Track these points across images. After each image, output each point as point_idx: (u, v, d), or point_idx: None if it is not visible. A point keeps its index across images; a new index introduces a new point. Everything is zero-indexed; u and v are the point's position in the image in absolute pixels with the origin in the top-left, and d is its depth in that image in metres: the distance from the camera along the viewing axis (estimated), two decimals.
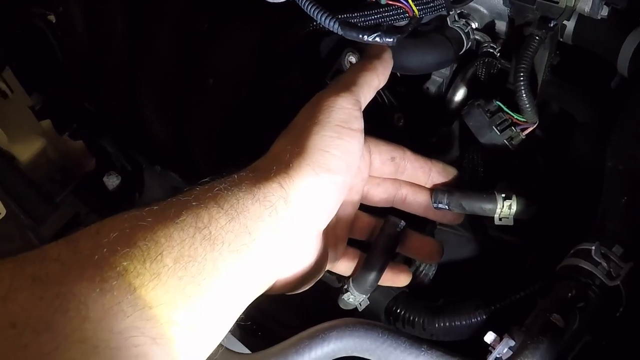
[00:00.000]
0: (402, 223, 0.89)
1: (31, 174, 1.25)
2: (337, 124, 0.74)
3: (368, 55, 0.85)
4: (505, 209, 0.87)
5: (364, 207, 0.93)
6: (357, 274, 0.90)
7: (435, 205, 0.91)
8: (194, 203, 0.63)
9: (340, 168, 0.73)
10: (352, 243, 0.93)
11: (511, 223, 0.88)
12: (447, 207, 0.90)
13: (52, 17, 1.46)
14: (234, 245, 0.62)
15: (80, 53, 1.26)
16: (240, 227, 0.64)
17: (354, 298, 0.90)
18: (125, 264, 0.55)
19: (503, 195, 0.87)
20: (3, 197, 1.14)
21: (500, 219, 0.88)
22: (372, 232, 0.93)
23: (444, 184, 0.93)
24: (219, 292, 0.61)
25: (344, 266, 0.91)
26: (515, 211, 0.87)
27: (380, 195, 0.93)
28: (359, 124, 0.77)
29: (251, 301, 0.67)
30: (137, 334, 0.53)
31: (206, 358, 0.63)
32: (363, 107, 0.79)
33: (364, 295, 0.90)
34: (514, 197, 0.87)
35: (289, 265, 0.75)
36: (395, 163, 0.89)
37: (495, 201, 0.88)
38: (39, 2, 1.50)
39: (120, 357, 0.51)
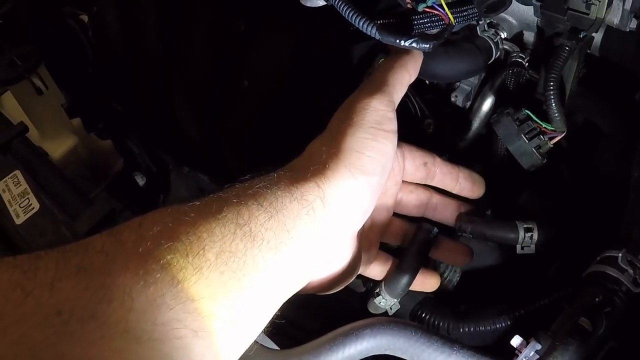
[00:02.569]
0: (435, 229, 0.91)
1: (63, 171, 1.26)
2: (371, 125, 0.75)
3: (396, 51, 0.86)
4: (526, 239, 0.89)
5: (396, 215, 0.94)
6: (389, 278, 0.91)
7: (459, 233, 0.94)
8: (234, 200, 0.64)
9: (376, 170, 0.74)
10: (384, 249, 0.94)
11: (533, 251, 0.90)
12: (470, 235, 0.93)
13: (84, 17, 1.48)
14: (272, 243, 0.64)
15: (113, 52, 1.28)
16: (279, 225, 0.65)
17: (385, 302, 0.91)
18: (169, 257, 0.56)
19: (525, 226, 0.89)
20: (37, 192, 1.15)
21: (522, 248, 0.91)
22: (405, 237, 0.95)
23: (470, 195, 0.96)
24: (258, 288, 0.62)
25: (375, 270, 0.92)
26: (537, 240, 0.89)
27: (413, 202, 0.94)
28: (393, 125, 0.78)
29: (287, 298, 0.69)
30: (180, 327, 0.54)
31: (242, 353, 0.64)
32: (396, 104, 0.80)
33: (395, 300, 0.92)
34: (535, 228, 0.89)
35: (325, 265, 0.76)
36: (427, 168, 0.91)
37: (517, 231, 0.90)
38: (71, 2, 1.52)
39: (162, 348, 0.52)
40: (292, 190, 0.68)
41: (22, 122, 1.32)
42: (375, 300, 0.92)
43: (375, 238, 0.90)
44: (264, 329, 0.67)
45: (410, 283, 0.91)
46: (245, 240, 0.61)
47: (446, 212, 0.96)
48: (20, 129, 1.29)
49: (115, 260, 0.54)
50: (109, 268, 0.53)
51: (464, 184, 0.94)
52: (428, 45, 0.73)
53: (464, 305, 0.96)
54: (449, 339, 0.68)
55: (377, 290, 0.92)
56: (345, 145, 0.74)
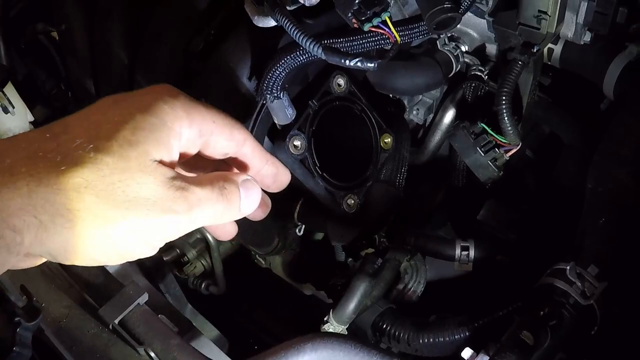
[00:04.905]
0: (379, 260, 0.93)
1: None
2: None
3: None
4: (463, 257, 0.92)
5: None
6: (336, 307, 0.94)
7: (402, 245, 0.97)
8: None
9: None
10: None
11: (470, 269, 0.92)
12: (412, 248, 0.97)
13: (55, 34, 1.48)
14: None
15: (81, 69, 1.28)
16: None
17: (334, 328, 0.94)
18: None
19: (462, 244, 0.92)
20: None
21: (460, 265, 0.94)
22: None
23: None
24: None
25: None
26: (474, 258, 0.91)
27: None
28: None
29: None
30: None
31: None
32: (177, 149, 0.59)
33: (343, 326, 0.94)
34: (471, 247, 0.91)
35: None
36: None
37: (454, 249, 0.92)
38: (44, 19, 1.52)
39: None
40: None
41: None
42: (324, 327, 0.94)
43: None
44: (225, 343, 0.66)
45: (356, 312, 0.93)
46: None
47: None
48: None
49: None
50: None
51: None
52: (373, 65, 0.74)
53: (434, 316, 0.97)
54: (389, 352, 0.68)
55: (326, 318, 0.95)
56: None
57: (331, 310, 0.94)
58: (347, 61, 0.74)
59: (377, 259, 0.92)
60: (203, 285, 1.36)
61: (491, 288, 1.01)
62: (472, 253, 0.90)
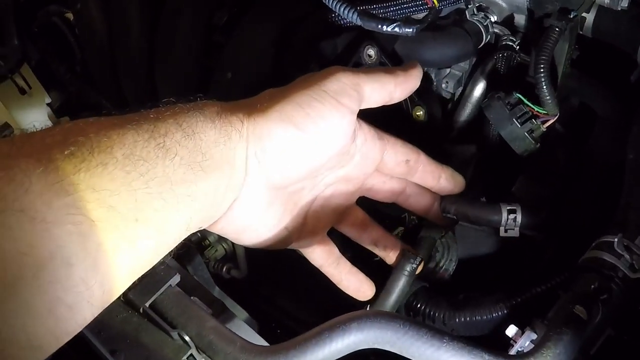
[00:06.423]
0: (419, 258, 0.90)
1: None
2: (324, 89, 0.73)
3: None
4: (510, 221, 0.87)
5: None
6: (375, 301, 0.91)
7: (443, 214, 0.92)
8: (152, 115, 0.63)
9: (308, 127, 0.72)
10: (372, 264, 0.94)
11: (517, 235, 0.88)
12: (454, 217, 0.91)
13: (69, 15, 1.47)
14: (186, 160, 0.62)
15: (98, 49, 1.27)
16: (195, 146, 0.64)
17: None
18: (73, 149, 0.56)
19: (509, 207, 0.87)
20: None
21: (506, 231, 0.89)
22: (363, 232, 0.93)
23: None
24: (166, 197, 0.60)
25: (316, 254, 0.90)
26: (521, 223, 0.87)
27: (384, 192, 0.93)
28: (350, 102, 0.75)
29: (194, 228, 0.67)
30: (76, 213, 0.53)
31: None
32: (366, 97, 0.78)
33: None
34: (518, 210, 0.87)
35: (241, 208, 0.73)
36: (409, 166, 0.89)
37: (500, 213, 0.88)
38: (56, 1, 1.50)
39: (54, 230, 0.52)
40: (215, 118, 0.67)
41: (6, 123, 1.30)
42: None
43: (325, 219, 0.88)
44: (255, 326, 0.65)
45: (396, 307, 0.90)
46: (157, 150, 0.60)
47: (419, 203, 0.94)
48: (5, 130, 1.28)
49: (21, 148, 0.54)
50: (13, 153, 0.54)
51: (444, 184, 0.92)
52: (411, 30, 0.72)
53: (462, 294, 0.94)
54: (439, 331, 0.66)
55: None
56: (290, 98, 0.72)
57: (368, 306, 0.91)
58: (385, 27, 0.71)
59: (416, 257, 0.89)
60: (224, 269, 1.34)
61: (521, 266, 0.98)
62: (519, 217, 0.86)
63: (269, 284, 1.39)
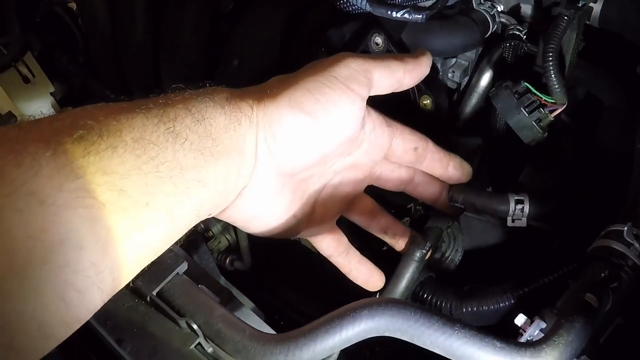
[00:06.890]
0: (428, 244, 0.90)
1: None
2: (334, 75, 0.73)
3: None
4: (517, 211, 0.87)
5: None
6: (385, 289, 0.90)
7: (451, 203, 0.92)
8: (161, 101, 0.63)
9: (317, 113, 0.71)
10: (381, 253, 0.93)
11: (524, 225, 0.88)
12: (462, 205, 0.91)
13: (72, 5, 1.46)
14: (196, 145, 0.62)
15: (101, 39, 1.26)
16: (205, 131, 0.63)
17: None
18: (82, 132, 0.55)
19: (516, 197, 0.87)
20: None
21: (513, 221, 0.89)
22: (372, 220, 0.93)
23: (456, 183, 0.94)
24: (176, 182, 0.60)
25: (325, 244, 0.90)
26: (528, 213, 0.87)
27: (393, 181, 0.92)
28: (360, 88, 0.75)
29: (203, 215, 0.66)
30: (86, 196, 0.53)
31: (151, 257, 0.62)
32: (376, 83, 0.78)
33: None
34: (526, 200, 0.87)
35: (250, 195, 0.73)
36: (417, 153, 0.88)
37: (507, 203, 0.87)
38: None
39: (65, 214, 0.51)
40: (224, 104, 0.67)
41: (10, 112, 1.30)
42: None
43: (334, 208, 0.88)
44: (261, 316, 0.65)
45: (406, 294, 0.90)
46: (167, 135, 0.60)
47: (428, 192, 0.94)
48: (9, 119, 1.27)
49: (29, 132, 0.54)
50: (21, 137, 0.53)
51: (452, 172, 0.92)
52: (421, 16, 0.71)
53: (467, 285, 0.94)
54: (451, 319, 0.65)
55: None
56: (300, 83, 0.72)
57: (378, 293, 0.91)
58: (394, 13, 0.71)
59: (425, 243, 0.89)
60: (228, 261, 1.33)
61: (526, 257, 0.98)
62: (526, 207, 0.86)
63: (273, 275, 1.39)
